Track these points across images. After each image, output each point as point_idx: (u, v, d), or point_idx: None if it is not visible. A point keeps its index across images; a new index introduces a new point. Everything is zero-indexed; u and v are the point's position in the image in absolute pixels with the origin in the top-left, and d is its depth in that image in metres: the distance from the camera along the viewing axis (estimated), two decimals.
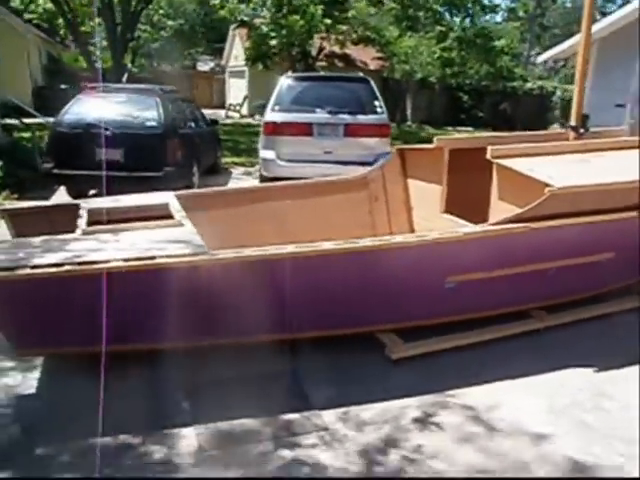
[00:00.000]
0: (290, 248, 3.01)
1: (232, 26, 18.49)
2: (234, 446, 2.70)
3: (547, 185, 3.47)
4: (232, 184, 9.35)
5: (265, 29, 15.77)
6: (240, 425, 2.84)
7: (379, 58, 23.37)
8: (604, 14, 26.86)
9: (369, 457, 2.65)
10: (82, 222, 3.41)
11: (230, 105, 23.19)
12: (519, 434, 2.85)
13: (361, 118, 7.92)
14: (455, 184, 4.70)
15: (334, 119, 7.83)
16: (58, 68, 25.64)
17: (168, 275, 2.78)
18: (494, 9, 17.73)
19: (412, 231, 5.08)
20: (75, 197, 7.28)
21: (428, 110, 22.36)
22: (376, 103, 8.07)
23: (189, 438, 2.74)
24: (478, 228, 3.50)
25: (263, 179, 8.34)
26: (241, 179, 10.04)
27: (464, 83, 22.53)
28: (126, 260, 2.70)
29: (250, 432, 2.80)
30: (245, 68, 22.75)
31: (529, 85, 23.60)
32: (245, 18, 16.53)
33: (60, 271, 2.62)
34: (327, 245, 3.11)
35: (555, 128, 22.85)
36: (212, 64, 36.23)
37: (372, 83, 8.31)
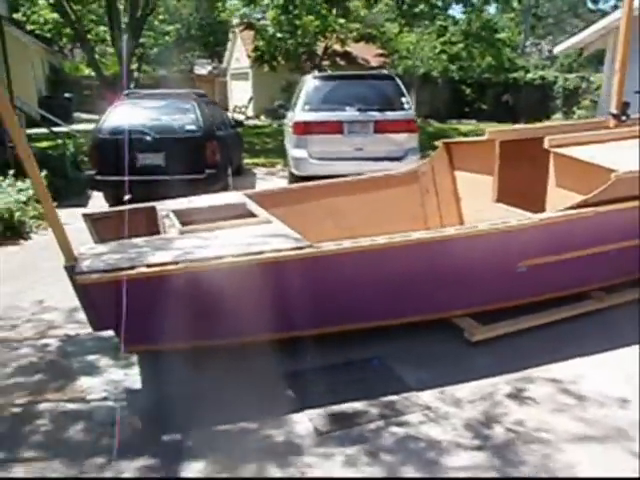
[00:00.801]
0: (382, 239, 3.18)
1: (237, 28, 18.60)
2: (347, 426, 2.86)
3: (612, 171, 3.64)
4: (260, 184, 9.51)
5: (272, 30, 15.90)
6: (348, 407, 3.01)
7: (380, 55, 23.53)
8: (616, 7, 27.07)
9: (476, 431, 2.82)
10: (174, 222, 3.56)
11: (235, 107, 23.32)
12: (607, 402, 3.03)
13: (389, 114, 8.09)
14: (505, 174, 4.87)
15: (363, 116, 8.01)
16: (60, 78, 25.78)
17: (282, 268, 2.94)
18: (507, 2, 17.87)
19: (461, 222, 5.27)
20: (113, 204, 7.46)
21: (431, 104, 22.51)
22: (403, 99, 8.25)
23: (303, 422, 2.91)
24: (552, 214, 3.67)
25: (294, 178, 8.51)
26: (266, 179, 10.19)
27: (467, 76, 22.72)
28: (240, 255, 2.86)
29: (358, 413, 2.97)
30: (249, 70, 22.88)
31: (530, 76, 23.81)
32: (251, 20, 16.70)
33: (183, 267, 2.78)
34: (417, 235, 3.28)
35: (558, 118, 23.14)
36: (210, 67, 36.33)
37: (398, 80, 8.49)
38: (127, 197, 8.24)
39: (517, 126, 6.70)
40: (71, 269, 2.81)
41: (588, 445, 2.70)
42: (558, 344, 3.65)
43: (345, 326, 3.36)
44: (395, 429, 2.84)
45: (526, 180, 4.67)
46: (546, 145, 4.14)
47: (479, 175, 5.08)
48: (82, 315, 4.20)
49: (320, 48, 16.94)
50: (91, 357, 3.65)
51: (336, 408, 3.01)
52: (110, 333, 3.79)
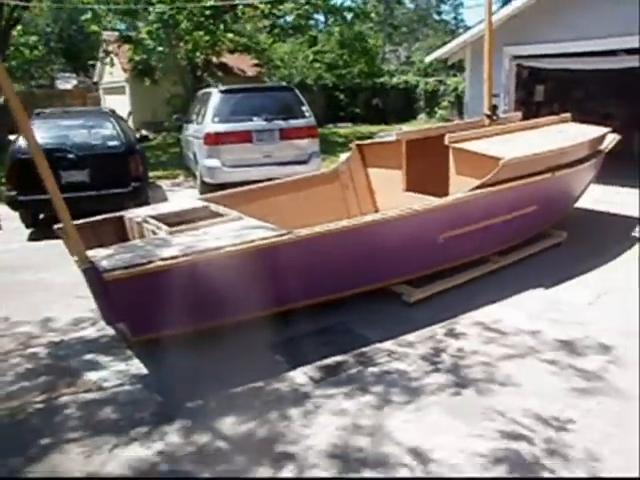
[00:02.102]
0: (343, 223, 3.95)
1: (114, 44, 18.31)
2: (335, 373, 3.59)
3: (499, 159, 4.73)
4: (171, 196, 9.81)
5: (152, 44, 16.01)
6: (331, 361, 3.73)
7: (256, 65, 24.27)
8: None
9: (430, 360, 3.69)
10: (159, 225, 4.02)
11: None
12: (518, 331, 4.06)
13: (293, 122, 8.91)
14: (412, 168, 5.88)
15: (270, 125, 8.74)
16: None
17: (271, 251, 3.59)
18: (367, 15, 19.56)
19: (377, 210, 6.19)
20: (29, 224, 7.45)
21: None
22: (303, 108, 9.11)
23: (299, 376, 3.58)
24: (460, 195, 4.67)
25: (206, 186, 8.99)
26: (174, 190, 10.49)
27: (339, 83, 24.26)
28: (238, 244, 3.46)
29: (340, 363, 3.71)
30: (125, 84, 22.47)
31: (395, 80, 25.96)
32: (129, 34, 16.66)
33: (196, 257, 3.33)
34: (368, 218, 4.10)
35: (422, 118, 25.50)
36: (75, 82, 34.65)
37: (297, 91, 9.33)
38: (41, 215, 8.30)
39: (419, 127, 7.84)
40: (92, 270, 3.23)
41: (513, 360, 3.68)
42: (474, 296, 4.66)
43: (317, 298, 4.07)
44: (371, 369, 3.63)
45: (430, 172, 5.69)
46: (447, 142, 5.17)
47: (390, 170, 6.05)
48: (57, 324, 4.59)
49: (200, 61, 17.30)
50: (87, 356, 3.99)
51: (322, 363, 3.72)
52: (95, 335, 4.22)
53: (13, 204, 7.08)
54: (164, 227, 3.97)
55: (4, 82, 2.85)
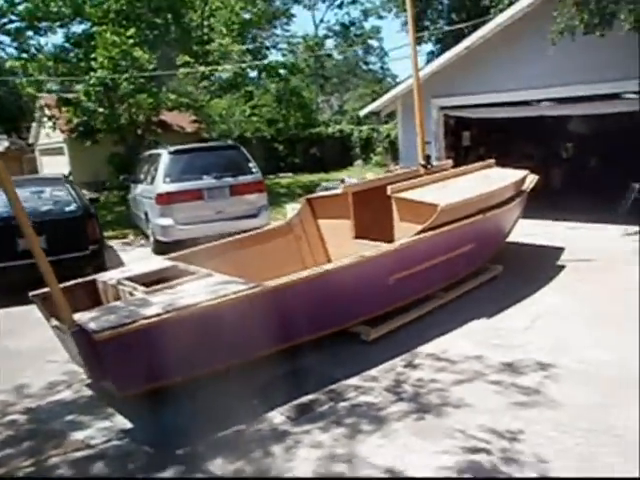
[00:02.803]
0: (305, 273, 4.37)
1: (48, 106, 18.37)
2: (309, 411, 3.93)
3: (436, 205, 5.33)
4: (123, 256, 9.94)
5: (92, 105, 16.24)
6: (304, 399, 4.08)
7: (194, 121, 24.76)
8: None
9: (393, 391, 4.11)
10: (134, 286, 4.30)
11: None
12: (466, 358, 4.56)
13: (241, 179, 9.37)
14: (359, 217, 6.41)
15: (220, 182, 9.16)
16: None
17: (244, 303, 3.94)
18: (301, 71, 20.64)
19: (329, 258, 6.66)
20: None
21: None
22: (250, 164, 9.61)
23: (277, 416, 3.89)
24: (404, 240, 5.21)
25: (159, 245, 9.24)
26: (126, 250, 10.61)
27: (277, 135, 25.12)
28: (214, 299, 3.81)
29: (313, 401, 4.06)
30: (63, 144, 22.37)
31: (330, 129, 27.14)
32: (66, 96, 16.83)
33: (178, 313, 3.63)
34: (327, 267, 4.54)
35: (359, 164, 26.65)
36: (7, 143, 33.95)
37: (242, 148, 9.84)
38: None
39: (363, 180, 8.44)
40: (80, 332, 3.48)
41: (463, 385, 4.15)
42: (425, 330, 5.15)
43: (285, 344, 4.43)
44: (342, 404, 4.00)
45: (375, 219, 6.24)
46: (388, 192, 5.75)
47: (338, 220, 6.56)
48: (32, 389, 4.74)
49: (141, 120, 17.61)
50: (69, 417, 4.15)
51: (296, 402, 4.06)
52: (72, 397, 4.39)
53: None
54: (140, 288, 4.25)
55: None
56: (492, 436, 3.45)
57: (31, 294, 4.54)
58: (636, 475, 2.93)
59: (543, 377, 4.12)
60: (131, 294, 4.25)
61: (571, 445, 3.29)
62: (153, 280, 4.52)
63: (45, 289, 4.70)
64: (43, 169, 25.86)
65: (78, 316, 3.73)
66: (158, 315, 3.66)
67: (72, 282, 4.71)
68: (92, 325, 3.55)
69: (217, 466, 3.40)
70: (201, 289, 4.12)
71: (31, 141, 26.66)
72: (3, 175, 3.28)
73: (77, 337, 3.52)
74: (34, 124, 24.86)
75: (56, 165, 23.97)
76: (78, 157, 21.52)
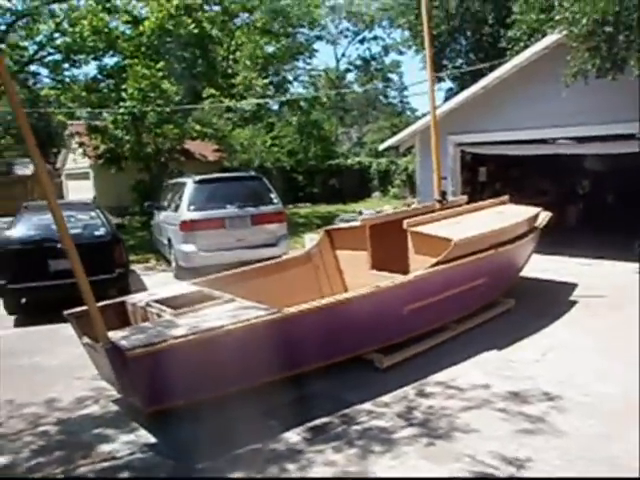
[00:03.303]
0: (323, 301, 4.61)
1: (80, 134, 19.15)
2: (324, 432, 4.12)
3: (450, 239, 5.56)
4: (146, 280, 10.28)
5: (120, 133, 16.87)
6: (319, 422, 4.27)
7: (217, 150, 25.43)
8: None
9: (404, 417, 4.28)
10: (163, 309, 4.57)
11: None
12: (476, 387, 4.72)
13: (263, 209, 9.71)
14: (375, 249, 6.66)
15: (242, 212, 9.50)
16: None
17: (265, 328, 4.18)
18: (322, 104, 21.31)
19: (345, 287, 6.89)
20: (12, 311, 7.80)
21: None
22: (272, 195, 9.95)
23: (292, 437, 4.09)
24: (419, 272, 5.43)
25: (181, 270, 9.56)
26: (149, 274, 10.95)
27: (297, 165, 25.70)
28: (237, 323, 4.06)
29: (327, 423, 4.25)
30: (89, 170, 23.11)
31: (350, 161, 27.67)
32: (95, 123, 17.56)
33: (205, 335, 3.88)
34: (344, 296, 4.78)
35: (377, 195, 27.01)
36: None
37: (265, 179, 10.22)
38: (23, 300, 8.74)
39: (381, 213, 8.71)
40: (114, 348, 3.75)
41: (471, 411, 4.32)
42: (438, 360, 5.33)
43: (302, 368, 4.64)
44: (354, 427, 4.19)
45: (391, 251, 6.48)
46: (405, 226, 6.00)
47: (356, 251, 6.81)
48: (62, 403, 4.99)
49: (166, 148, 18.23)
50: (96, 431, 4.39)
51: (311, 424, 4.25)
52: (100, 412, 4.63)
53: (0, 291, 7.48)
54: (168, 310, 4.52)
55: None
56: (499, 461, 3.61)
57: (66, 313, 4.84)
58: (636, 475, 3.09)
59: (549, 407, 4.27)
60: (159, 316, 4.52)
61: (575, 474, 3.44)
62: (179, 303, 4.80)
63: (78, 308, 5.03)
64: (69, 193, 26.67)
65: (110, 334, 3.99)
66: (185, 336, 3.92)
67: (103, 303, 4.99)
68: (124, 342, 3.82)
69: None
70: (224, 313, 4.37)
71: (58, 165, 27.53)
72: (53, 203, 3.60)
73: (110, 354, 3.78)
74: (63, 150, 25.73)
75: (80, 190, 24.74)
76: (102, 182, 22.20)
